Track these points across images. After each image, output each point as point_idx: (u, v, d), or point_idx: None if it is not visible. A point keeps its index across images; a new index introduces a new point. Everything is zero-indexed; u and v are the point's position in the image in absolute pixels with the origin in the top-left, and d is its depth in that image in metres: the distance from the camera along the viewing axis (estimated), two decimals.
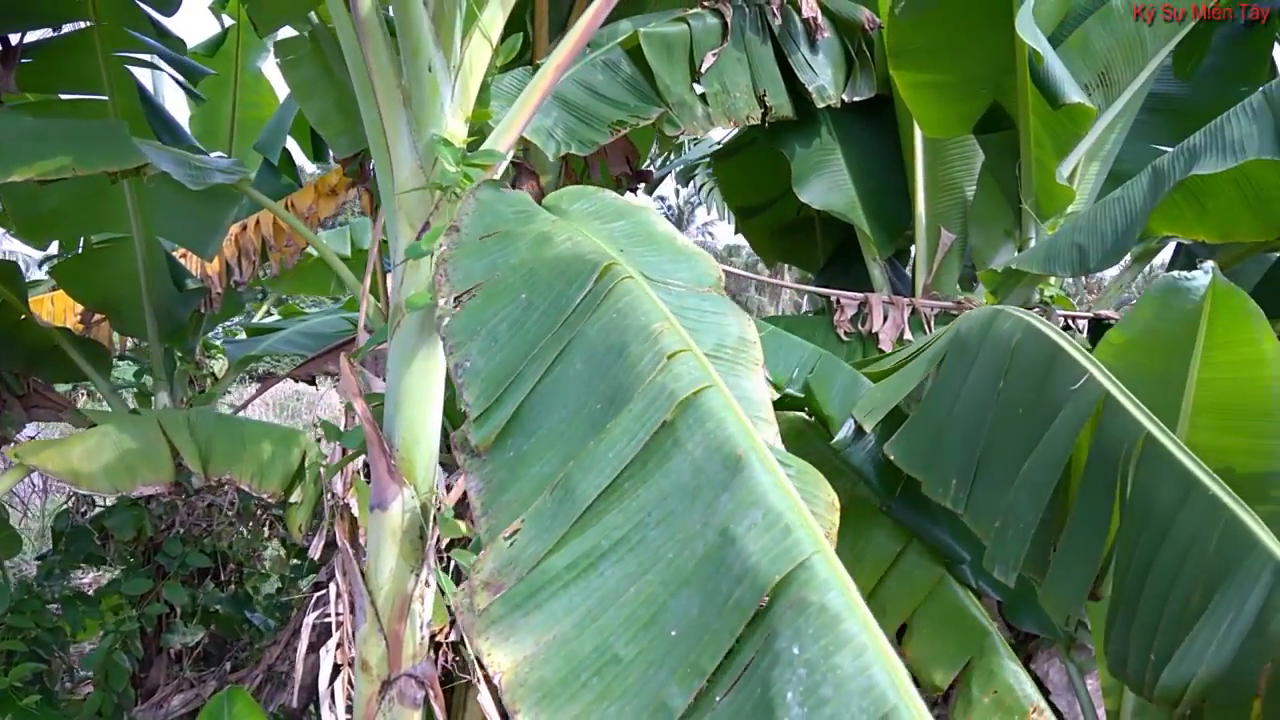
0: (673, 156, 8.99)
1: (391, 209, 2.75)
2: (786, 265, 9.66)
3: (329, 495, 3.78)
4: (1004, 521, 2.39)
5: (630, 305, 1.68)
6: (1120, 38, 4.19)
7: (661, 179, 8.94)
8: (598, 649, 1.37)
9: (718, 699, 1.28)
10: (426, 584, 2.60)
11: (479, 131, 3.42)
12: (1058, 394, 2.44)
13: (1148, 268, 5.88)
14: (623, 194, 5.90)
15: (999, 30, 3.87)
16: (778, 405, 3.66)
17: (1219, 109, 4.78)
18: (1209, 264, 2.68)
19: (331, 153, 5.62)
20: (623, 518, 1.45)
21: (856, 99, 5.01)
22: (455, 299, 1.85)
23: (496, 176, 3.16)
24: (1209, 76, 4.98)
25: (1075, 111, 3.98)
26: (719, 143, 6.31)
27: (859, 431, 3.35)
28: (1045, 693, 3.58)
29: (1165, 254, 5.79)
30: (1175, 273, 2.74)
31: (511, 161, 4.57)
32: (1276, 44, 5.21)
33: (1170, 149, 4.78)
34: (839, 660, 1.20)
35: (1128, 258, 5.16)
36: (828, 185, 5.22)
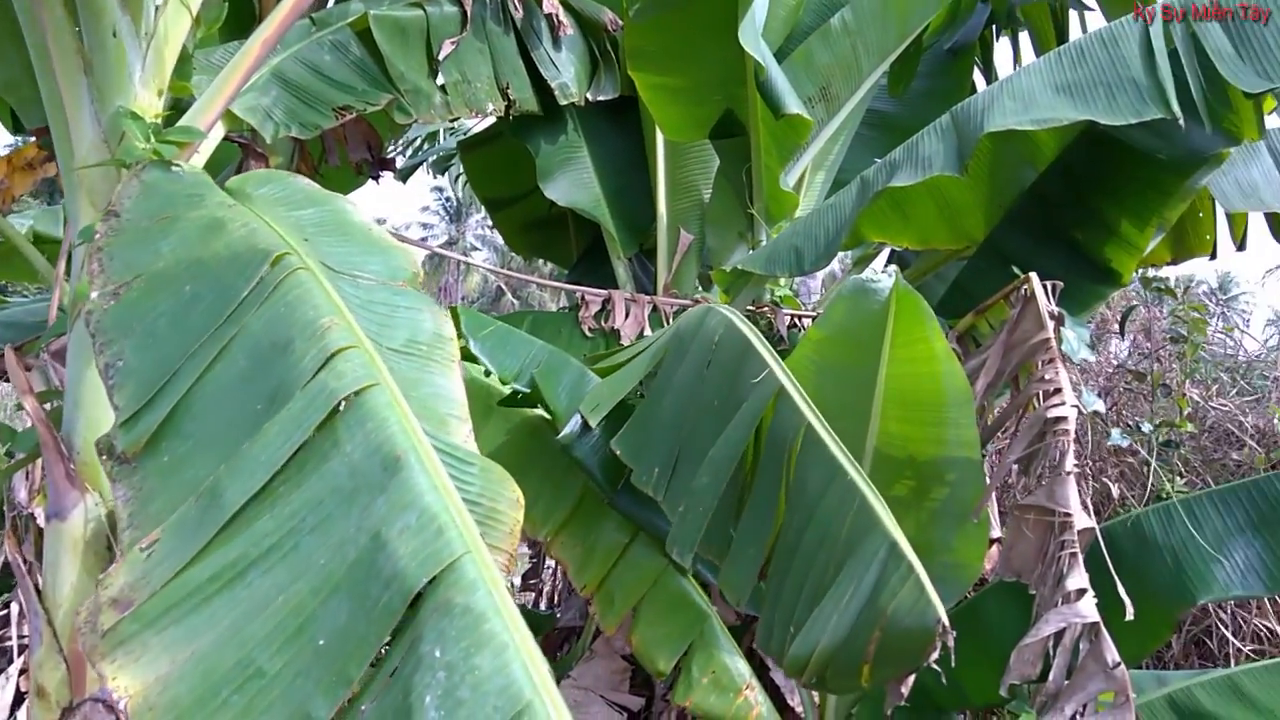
0: (427, 145, 8.77)
1: (71, 185, 2.53)
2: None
3: (5, 504, 3.42)
4: (687, 505, 2.49)
5: (299, 298, 1.61)
6: (838, 57, 4.47)
7: (416, 166, 8.71)
8: (240, 663, 1.30)
9: (363, 708, 1.24)
10: None
11: (183, 106, 3.18)
12: (744, 387, 2.58)
13: (868, 270, 6.31)
14: (364, 181, 5.72)
15: (729, 39, 4.01)
16: (514, 403, 3.68)
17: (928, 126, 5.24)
18: (892, 268, 2.91)
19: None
20: (275, 524, 1.38)
21: (601, 98, 5.08)
22: (113, 292, 1.70)
23: (198, 155, 2.96)
24: (919, 97, 5.41)
25: (796, 122, 4.20)
26: (467, 133, 6.21)
27: (585, 426, 3.40)
28: (765, 669, 3.79)
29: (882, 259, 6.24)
30: (862, 275, 2.95)
31: (238, 142, 4.31)
32: (976, 68, 5.75)
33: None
34: (479, 660, 1.19)
35: (849, 262, 5.52)
36: (573, 182, 5.26)
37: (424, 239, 58.72)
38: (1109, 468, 5.43)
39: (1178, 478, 5.14)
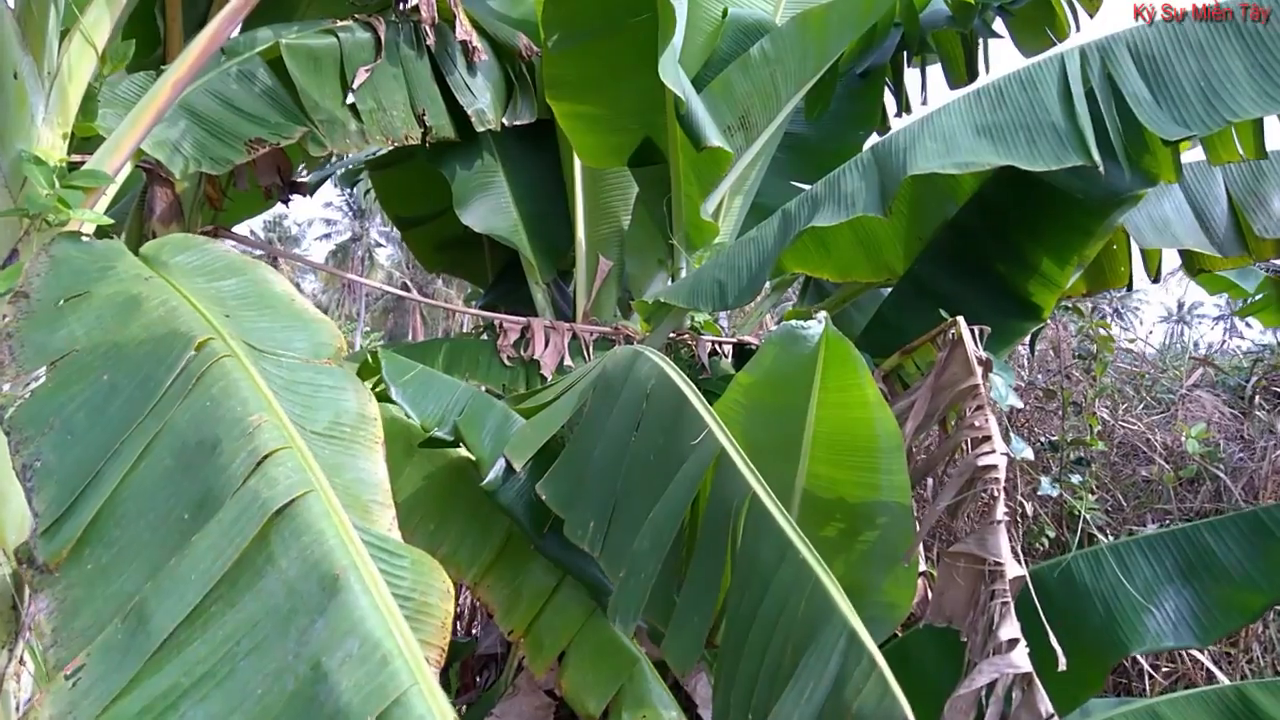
0: (335, 158, 8.54)
1: None
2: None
3: None
4: (629, 571, 2.45)
5: (226, 390, 1.51)
6: (757, 85, 4.48)
7: (323, 181, 8.48)
8: None
9: None
10: (21, 662, 2.27)
11: (88, 145, 3.02)
12: (682, 445, 2.55)
13: (785, 294, 6.38)
14: (274, 204, 5.53)
15: (647, 69, 3.99)
16: (436, 445, 3.58)
17: (842, 149, 5.31)
18: (822, 314, 2.90)
19: None
20: (208, 649, 1.29)
21: (518, 123, 5.00)
22: (25, 383, 1.58)
23: (104, 198, 2.81)
24: (834, 120, 5.48)
25: (716, 154, 4.20)
26: (375, 151, 6.06)
27: (509, 469, 3.33)
28: (693, 706, 3.77)
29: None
30: (793, 322, 2.94)
31: (142, 166, 4.11)
32: (887, 89, 5.84)
33: (803, 183, 5.23)
34: None
35: (769, 287, 5.55)
36: (490, 208, 5.18)
37: (327, 235, 57.49)
38: (1021, 484, 5.57)
39: (1089, 494, 5.30)
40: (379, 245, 53.72)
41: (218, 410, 1.50)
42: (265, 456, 1.42)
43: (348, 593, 1.28)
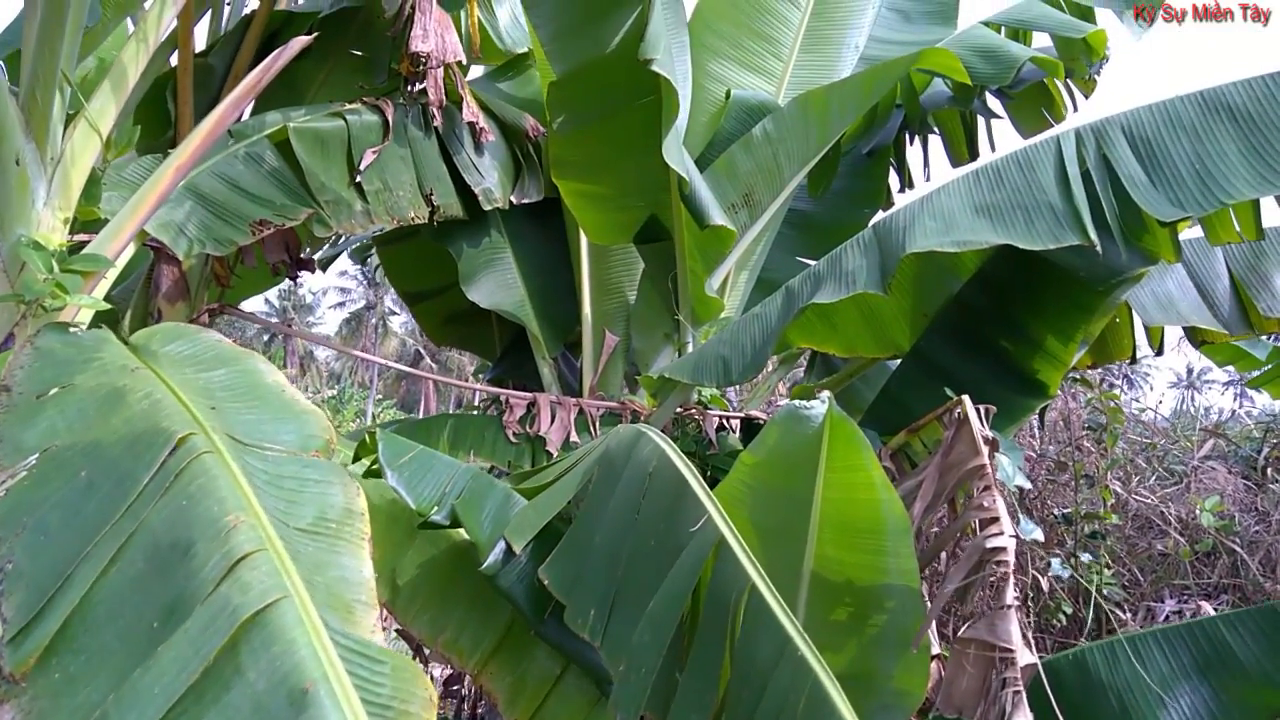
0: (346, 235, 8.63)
1: None
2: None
3: None
4: (629, 664, 2.38)
5: (203, 490, 1.48)
6: (760, 164, 4.51)
7: (335, 257, 8.57)
8: None
9: None
10: None
11: (93, 226, 3.05)
12: (683, 531, 2.49)
13: (792, 370, 6.35)
14: (282, 280, 5.56)
15: (651, 150, 4.03)
16: (436, 526, 3.53)
17: (847, 226, 5.32)
18: (825, 393, 2.87)
19: None
20: None
21: (525, 201, 5.04)
22: (2, 482, 1.55)
23: (105, 281, 2.82)
24: (838, 197, 5.52)
25: (720, 232, 4.21)
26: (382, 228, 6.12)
27: (509, 553, 3.27)
28: None
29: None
30: (796, 401, 2.91)
31: (151, 246, 4.15)
32: (891, 168, 5.89)
33: (808, 259, 5.23)
34: None
35: (775, 361, 5.53)
36: (497, 284, 5.20)
37: (341, 304, 58.01)
38: (1036, 559, 5.46)
39: (1105, 569, 5.19)
40: (393, 313, 54.20)
41: (194, 510, 1.46)
42: (239, 560, 1.38)
43: (317, 708, 1.23)
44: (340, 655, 1.38)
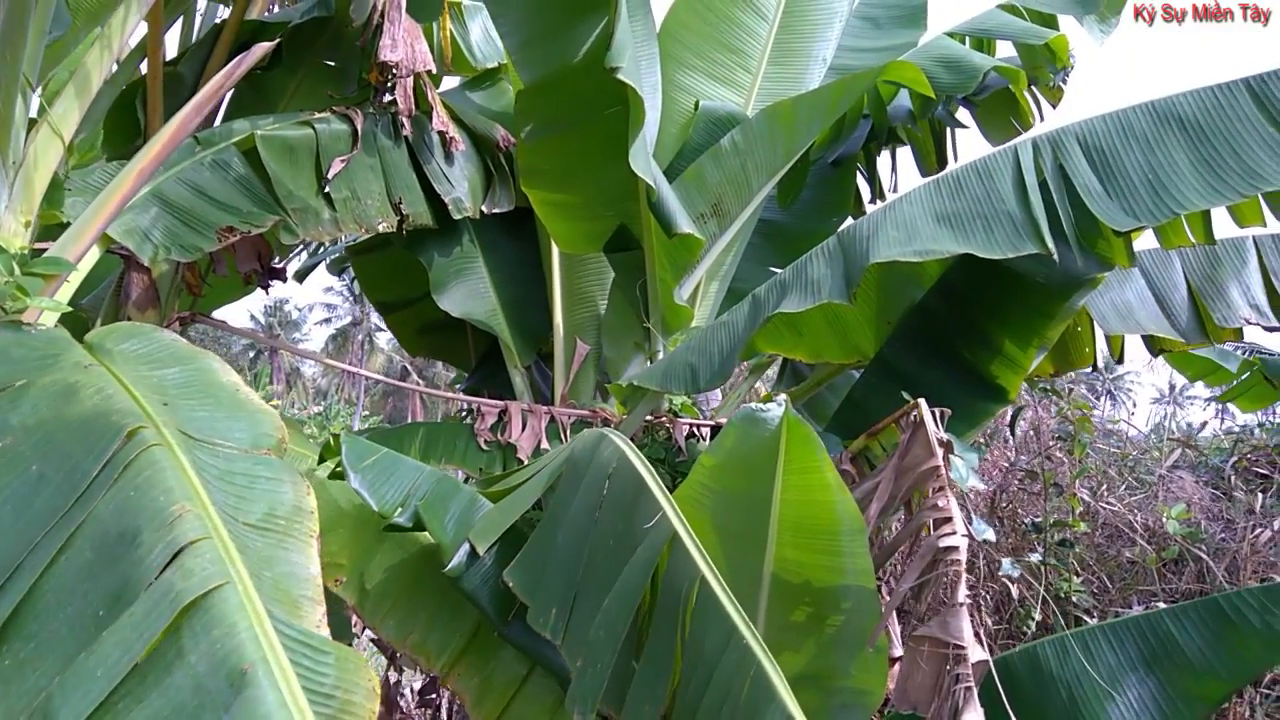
0: (327, 243, 8.64)
1: None
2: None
3: None
4: (585, 660, 2.41)
5: (150, 480, 1.51)
6: (729, 175, 4.57)
7: (313, 268, 8.57)
8: None
9: None
10: None
11: (56, 232, 3.06)
12: (638, 529, 2.53)
13: (765, 375, 6.40)
14: (254, 290, 5.57)
15: (619, 159, 4.07)
16: (402, 529, 3.55)
17: (816, 235, 5.38)
18: (782, 397, 2.91)
19: None
20: None
21: (496, 210, 5.08)
22: None
23: (67, 284, 2.83)
24: (807, 206, 5.58)
25: (688, 240, 4.26)
26: (355, 238, 6.15)
27: (473, 555, 3.30)
28: None
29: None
30: (753, 404, 2.95)
31: (120, 254, 4.16)
32: (860, 176, 5.96)
33: (778, 268, 5.28)
34: None
35: (746, 369, 5.57)
36: (468, 293, 5.22)
37: (328, 320, 57.79)
38: (994, 566, 5.51)
39: (1074, 576, 5.25)
40: (379, 329, 53.97)
41: (141, 500, 1.49)
42: (183, 547, 1.41)
43: (255, 688, 1.26)
44: (284, 644, 1.40)
